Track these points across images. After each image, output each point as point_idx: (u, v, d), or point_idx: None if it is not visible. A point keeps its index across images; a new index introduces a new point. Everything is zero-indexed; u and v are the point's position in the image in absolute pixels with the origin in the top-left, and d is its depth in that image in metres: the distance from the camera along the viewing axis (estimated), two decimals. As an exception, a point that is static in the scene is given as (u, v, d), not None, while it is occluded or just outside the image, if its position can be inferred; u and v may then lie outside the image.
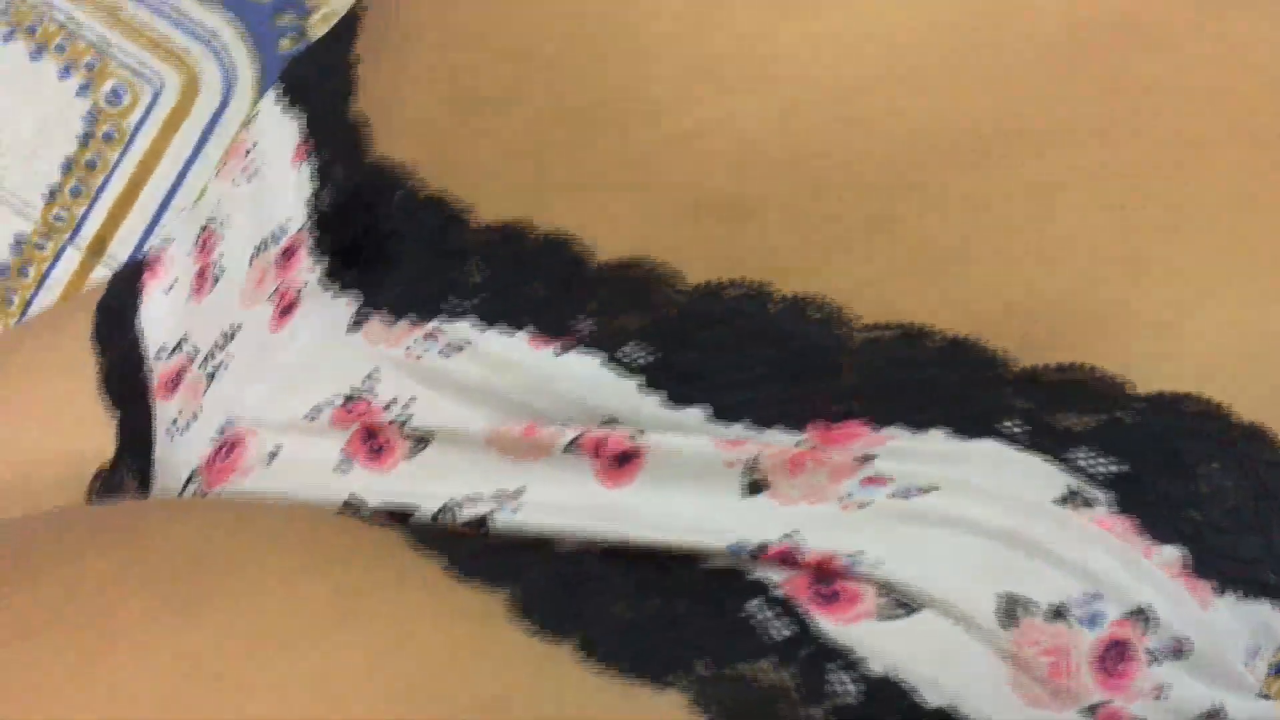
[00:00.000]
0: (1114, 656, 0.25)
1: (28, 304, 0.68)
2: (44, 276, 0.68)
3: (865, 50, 0.30)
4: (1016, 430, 0.27)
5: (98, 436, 0.46)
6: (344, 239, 0.37)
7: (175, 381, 0.42)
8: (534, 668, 0.25)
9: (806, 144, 0.31)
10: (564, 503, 0.30)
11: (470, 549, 0.29)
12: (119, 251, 0.68)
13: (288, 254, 0.39)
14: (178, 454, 0.39)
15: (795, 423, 0.29)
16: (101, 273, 0.68)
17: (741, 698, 0.24)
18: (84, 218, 0.67)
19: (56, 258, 0.68)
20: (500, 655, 0.25)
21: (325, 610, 0.26)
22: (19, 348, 0.50)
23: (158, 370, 0.43)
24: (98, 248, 0.68)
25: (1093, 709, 0.25)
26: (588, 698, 0.24)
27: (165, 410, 0.42)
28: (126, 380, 0.45)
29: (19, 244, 0.68)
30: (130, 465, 0.45)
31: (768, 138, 0.31)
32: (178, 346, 0.43)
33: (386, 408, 0.33)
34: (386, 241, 0.36)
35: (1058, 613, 0.25)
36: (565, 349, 0.32)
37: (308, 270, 0.38)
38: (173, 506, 0.35)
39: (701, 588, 0.26)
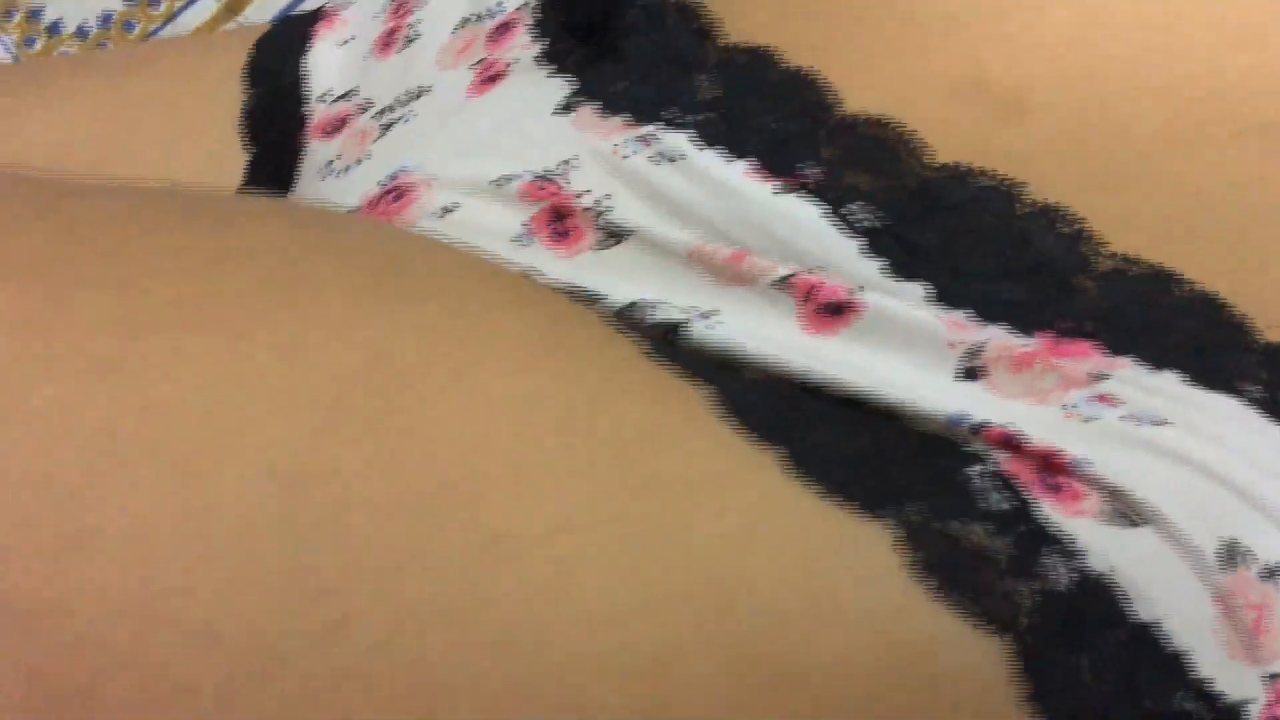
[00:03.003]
0: None
1: (148, 35, 0.66)
2: (174, 15, 0.66)
3: None
4: (1256, 395, 0.26)
5: (225, 166, 0.45)
6: (572, 24, 0.36)
7: (338, 125, 0.40)
8: (740, 461, 0.24)
9: (1104, 58, 0.30)
10: (760, 334, 0.28)
11: (663, 345, 0.27)
12: (254, 14, 0.66)
13: (504, 29, 0.38)
14: (329, 194, 0.38)
15: (1021, 326, 0.28)
16: (230, 28, 0.66)
17: (949, 552, 0.23)
18: (233, -32, 0.65)
19: (192, 0, 0.66)
20: (706, 440, 0.24)
21: (531, 343, 0.25)
22: (160, 59, 0.49)
23: (319, 112, 0.42)
24: (235, 4, 0.66)
25: (1272, 678, 0.24)
26: (793, 504, 0.23)
27: (321, 150, 0.40)
28: (272, 118, 0.44)
29: (159, -25, 0.66)
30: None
31: (1063, 37, 0.30)
32: (346, 96, 0.41)
33: (578, 196, 0.32)
34: (619, 35, 0.35)
35: (1271, 572, 0.24)
36: (786, 190, 0.30)
37: (523, 47, 0.37)
38: (352, 217, 0.33)
39: (915, 442, 0.25)
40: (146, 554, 0.21)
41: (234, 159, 0.45)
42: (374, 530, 0.21)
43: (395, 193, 0.34)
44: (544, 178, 0.32)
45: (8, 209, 0.25)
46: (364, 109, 0.40)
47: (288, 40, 0.46)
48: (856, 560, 0.23)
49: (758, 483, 0.23)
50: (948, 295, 0.28)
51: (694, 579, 0.22)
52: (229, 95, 0.46)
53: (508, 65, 0.36)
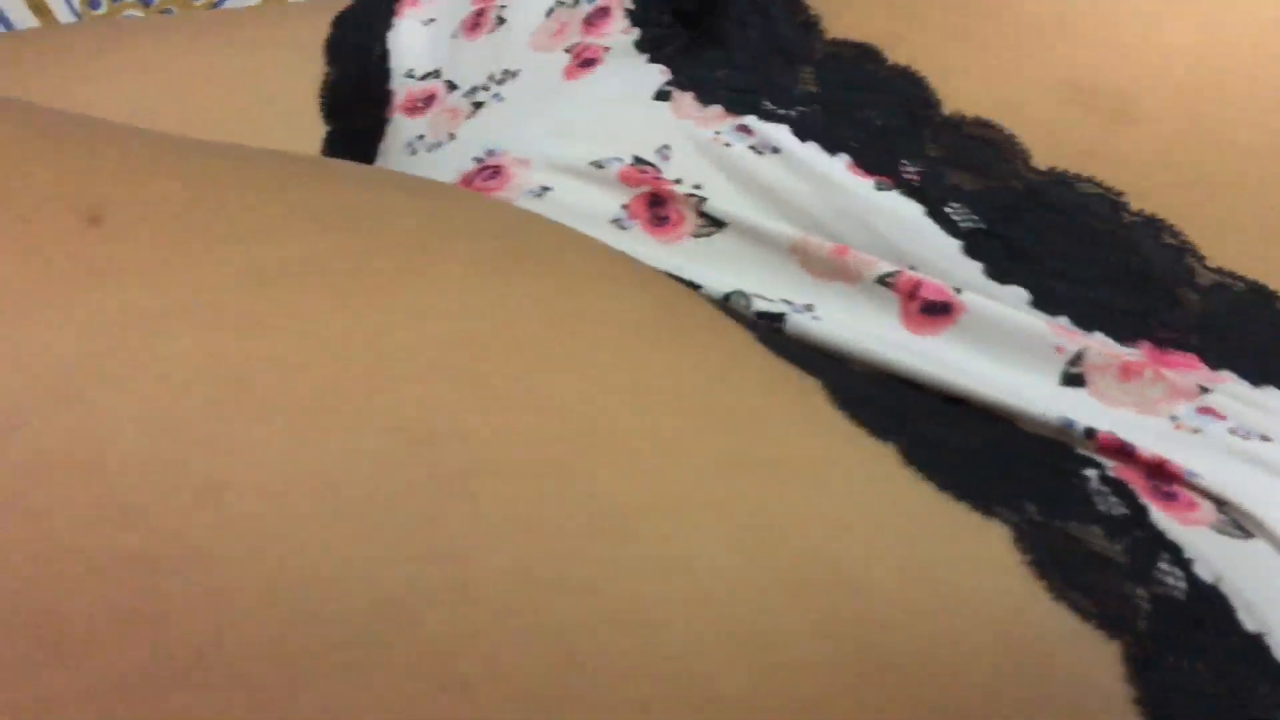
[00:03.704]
0: None
1: (215, 4, 0.66)
2: (240, -13, 0.66)
3: None
4: None
5: (301, 138, 0.45)
6: (674, 10, 0.36)
7: (425, 103, 0.40)
8: (855, 450, 0.24)
9: (1216, 70, 0.30)
10: (861, 330, 0.28)
11: (770, 334, 0.27)
12: (319, -9, 0.66)
13: (600, 14, 0.38)
14: (419, 169, 0.38)
15: (1122, 335, 0.28)
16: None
17: (1067, 552, 0.23)
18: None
19: (260, -27, 0.66)
20: (821, 427, 0.24)
21: (647, 322, 0.25)
22: (236, 29, 0.49)
23: (404, 89, 0.42)
24: (301, -21, 0.66)
25: None
26: (909, 495, 0.23)
27: (407, 126, 0.40)
28: (356, 93, 0.44)
29: (227, -53, 0.66)
30: (334, 173, 0.43)
31: (1177, 48, 0.30)
32: (431, 75, 0.42)
33: (675, 182, 0.32)
34: (721, 24, 0.35)
35: None
36: (885, 186, 0.30)
37: (620, 33, 0.37)
38: (461, 189, 0.34)
39: (1027, 442, 0.25)
40: (278, 507, 0.21)
41: (311, 132, 0.45)
42: (500, 495, 0.21)
43: (490, 171, 0.34)
44: (642, 162, 0.32)
45: (142, 158, 0.25)
46: (451, 88, 0.40)
47: (370, 17, 0.46)
48: (974, 554, 0.23)
49: (874, 472, 0.23)
50: (1047, 300, 0.28)
51: (810, 562, 0.22)
52: (307, 69, 0.46)
53: (603, 50, 0.37)
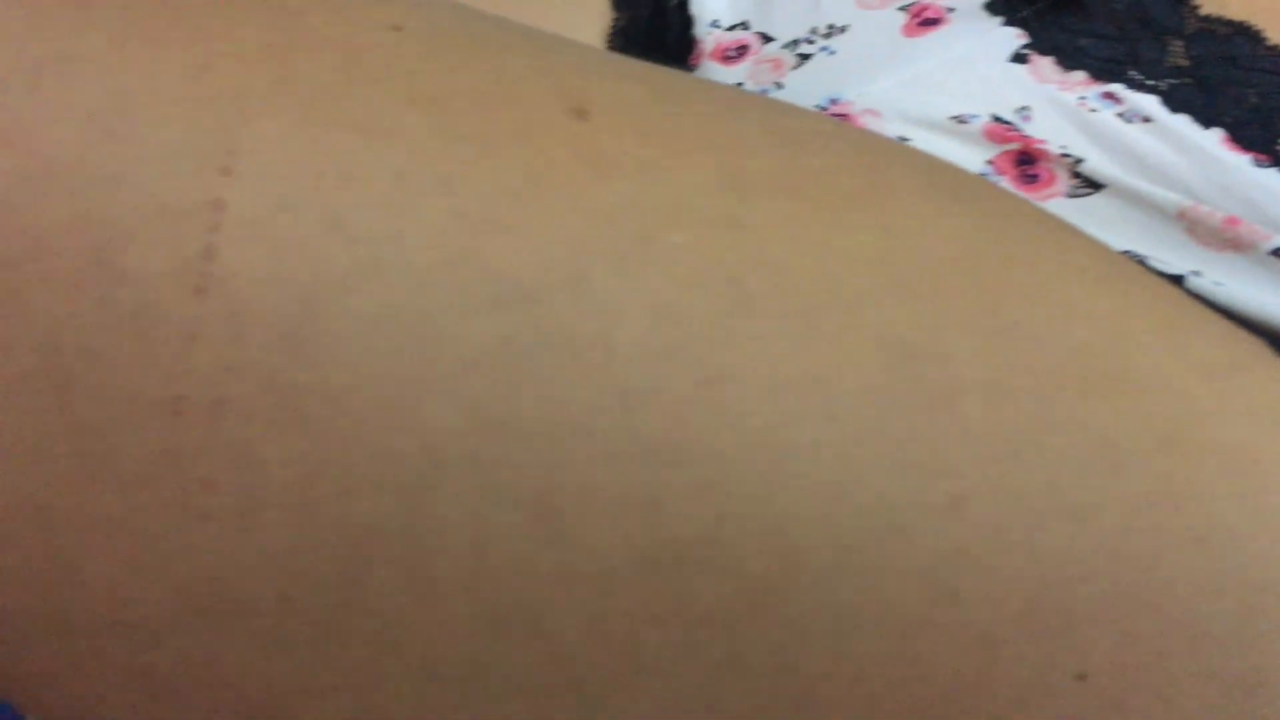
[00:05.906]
0: None
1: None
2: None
3: None
4: None
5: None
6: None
7: (739, 53, 0.41)
8: None
9: None
10: (1262, 300, 0.28)
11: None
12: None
13: (940, -26, 0.38)
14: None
15: None
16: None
17: None
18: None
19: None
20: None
21: (1098, 263, 0.25)
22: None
23: (712, 37, 0.42)
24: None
25: None
26: None
27: (721, 74, 0.40)
28: (655, 39, 0.44)
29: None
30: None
31: None
32: (738, 27, 0.42)
33: (1042, 143, 0.32)
34: (1085, -5, 0.35)
35: None
36: (1264, 164, 0.30)
37: (965, -5, 0.37)
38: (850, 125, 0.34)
39: None
40: (776, 405, 0.21)
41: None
42: (987, 417, 0.21)
43: (838, 119, 0.34)
44: (1001, 121, 0.32)
45: (604, 60, 0.25)
46: (765, 40, 0.40)
47: (659, -32, 0.46)
48: None
49: None
50: None
51: None
52: (591, 13, 0.46)
53: (947, 11, 0.37)
